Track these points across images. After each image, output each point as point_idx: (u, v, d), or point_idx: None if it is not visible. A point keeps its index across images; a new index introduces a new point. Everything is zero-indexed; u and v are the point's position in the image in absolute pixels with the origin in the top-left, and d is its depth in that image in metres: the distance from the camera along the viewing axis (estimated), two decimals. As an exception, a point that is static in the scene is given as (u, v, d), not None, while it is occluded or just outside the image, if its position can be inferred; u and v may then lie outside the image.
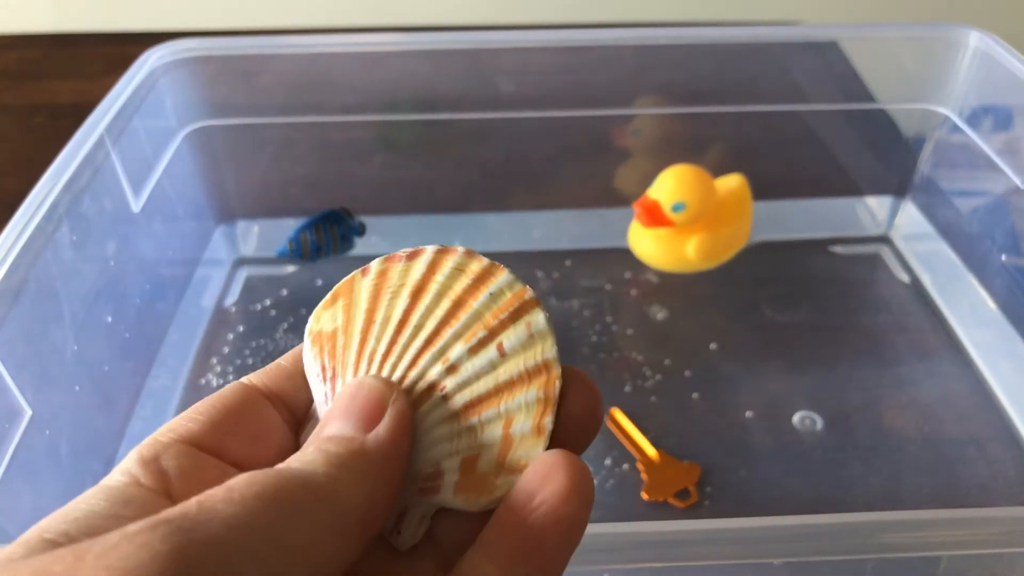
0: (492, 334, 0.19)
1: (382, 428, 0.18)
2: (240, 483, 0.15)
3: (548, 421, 0.18)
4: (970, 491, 0.44)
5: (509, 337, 0.19)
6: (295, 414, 0.20)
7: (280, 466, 0.16)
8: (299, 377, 0.20)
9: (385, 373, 0.19)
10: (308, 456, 0.17)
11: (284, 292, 0.57)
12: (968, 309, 0.54)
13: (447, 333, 0.19)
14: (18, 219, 0.38)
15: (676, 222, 0.51)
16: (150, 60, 0.50)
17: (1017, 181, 0.49)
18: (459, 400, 0.19)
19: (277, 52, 0.52)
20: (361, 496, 0.17)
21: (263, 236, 0.60)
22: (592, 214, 0.61)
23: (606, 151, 0.58)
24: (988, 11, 0.89)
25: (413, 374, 0.19)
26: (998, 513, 0.30)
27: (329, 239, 0.54)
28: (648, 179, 0.52)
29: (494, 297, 0.19)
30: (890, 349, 0.52)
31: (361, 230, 0.54)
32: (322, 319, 0.20)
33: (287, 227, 0.55)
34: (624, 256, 0.55)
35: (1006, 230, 0.51)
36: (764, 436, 0.46)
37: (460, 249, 0.20)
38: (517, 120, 0.55)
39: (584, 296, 0.56)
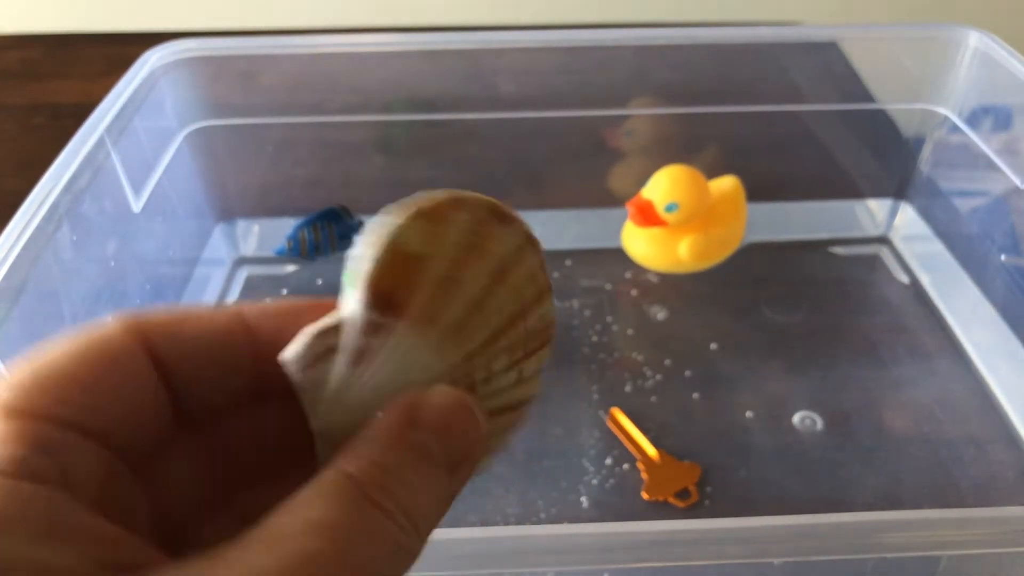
0: (524, 358, 0.18)
1: (461, 476, 0.16)
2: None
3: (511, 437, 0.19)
4: (969, 491, 0.44)
5: (528, 367, 0.19)
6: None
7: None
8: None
9: (446, 350, 0.17)
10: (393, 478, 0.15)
11: (284, 291, 0.57)
12: (967, 310, 0.54)
13: (503, 342, 0.18)
14: (19, 219, 0.38)
15: (669, 222, 0.51)
16: (150, 60, 0.50)
17: (1016, 181, 0.49)
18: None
19: (277, 52, 0.52)
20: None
21: (263, 236, 0.60)
22: (592, 214, 0.61)
23: (606, 151, 0.58)
24: (987, 11, 0.89)
25: (462, 368, 0.17)
26: (997, 513, 0.30)
27: (327, 238, 0.54)
28: (643, 180, 0.52)
29: (541, 320, 0.19)
30: (889, 350, 0.52)
31: (360, 229, 0.55)
32: (412, 234, 0.17)
33: (287, 227, 0.55)
34: (624, 256, 0.56)
35: (1005, 230, 0.51)
36: (764, 436, 0.46)
37: (540, 244, 0.19)
38: (517, 120, 0.55)
39: (584, 296, 0.56)
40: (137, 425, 0.16)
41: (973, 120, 0.53)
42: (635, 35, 0.53)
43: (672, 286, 0.57)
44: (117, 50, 0.84)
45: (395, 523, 0.14)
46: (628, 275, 0.57)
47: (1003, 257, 0.51)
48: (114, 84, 0.48)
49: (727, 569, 0.30)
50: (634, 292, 0.56)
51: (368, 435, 0.16)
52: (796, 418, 0.48)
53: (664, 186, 0.50)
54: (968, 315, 0.54)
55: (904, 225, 0.61)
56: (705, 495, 0.43)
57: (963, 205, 0.56)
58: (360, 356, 0.16)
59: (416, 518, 0.15)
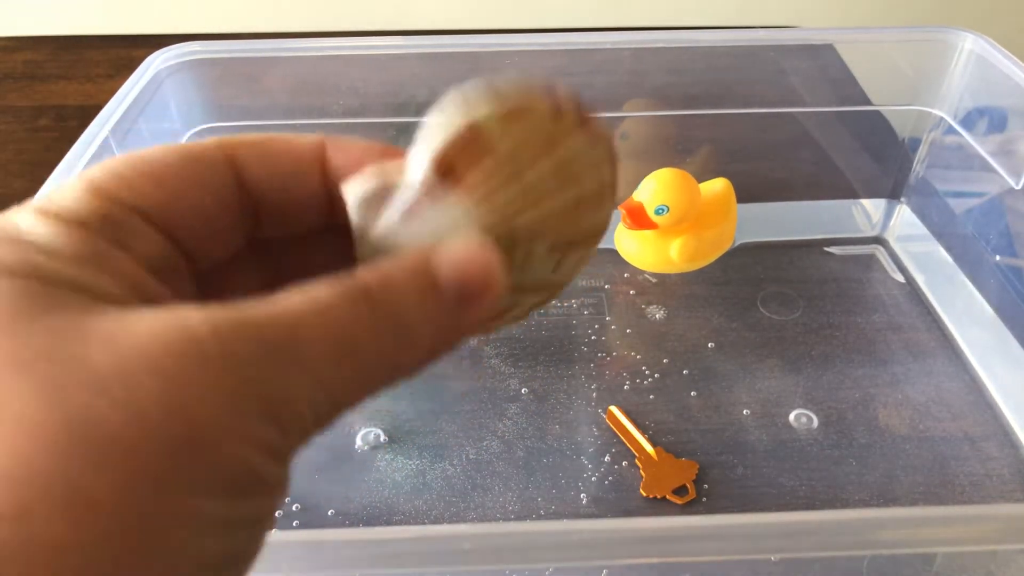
0: (568, 247, 0.19)
1: (473, 313, 0.17)
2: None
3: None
4: (964, 488, 0.44)
5: (569, 260, 0.19)
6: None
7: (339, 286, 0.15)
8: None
9: (492, 226, 0.18)
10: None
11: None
12: (962, 309, 0.54)
13: (550, 230, 0.18)
14: (26, 220, 0.38)
15: (659, 224, 0.51)
16: (155, 63, 0.51)
17: (1011, 182, 0.50)
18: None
19: (281, 55, 0.52)
20: (385, 347, 0.15)
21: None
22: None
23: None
24: (982, 13, 0.89)
25: (503, 243, 0.18)
26: (992, 510, 0.30)
27: None
28: (638, 182, 0.52)
29: (594, 220, 0.19)
30: (885, 348, 0.52)
31: None
32: (490, 122, 0.18)
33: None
34: (622, 257, 0.56)
35: (1000, 231, 0.51)
36: (761, 434, 0.47)
37: (615, 152, 0.19)
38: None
39: (583, 296, 0.56)
40: (209, 232, 0.18)
41: (968, 121, 0.54)
42: (633, 39, 0.54)
43: (670, 286, 0.57)
44: (122, 52, 0.84)
45: (384, 325, 0.15)
46: (626, 275, 0.57)
47: (997, 257, 0.51)
48: (119, 86, 0.48)
49: (724, 565, 0.30)
50: (632, 292, 0.57)
51: (388, 260, 0.17)
52: (792, 416, 0.48)
53: (654, 189, 0.51)
54: (963, 314, 0.54)
55: (899, 225, 0.61)
56: (702, 492, 0.44)
57: (958, 206, 0.56)
58: (410, 212, 0.17)
59: (410, 333, 0.16)
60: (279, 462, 0.14)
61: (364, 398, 0.16)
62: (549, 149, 0.18)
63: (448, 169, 0.17)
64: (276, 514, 0.15)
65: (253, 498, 0.14)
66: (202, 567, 0.13)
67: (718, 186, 0.55)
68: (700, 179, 0.54)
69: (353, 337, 0.15)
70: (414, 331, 0.16)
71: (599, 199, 0.19)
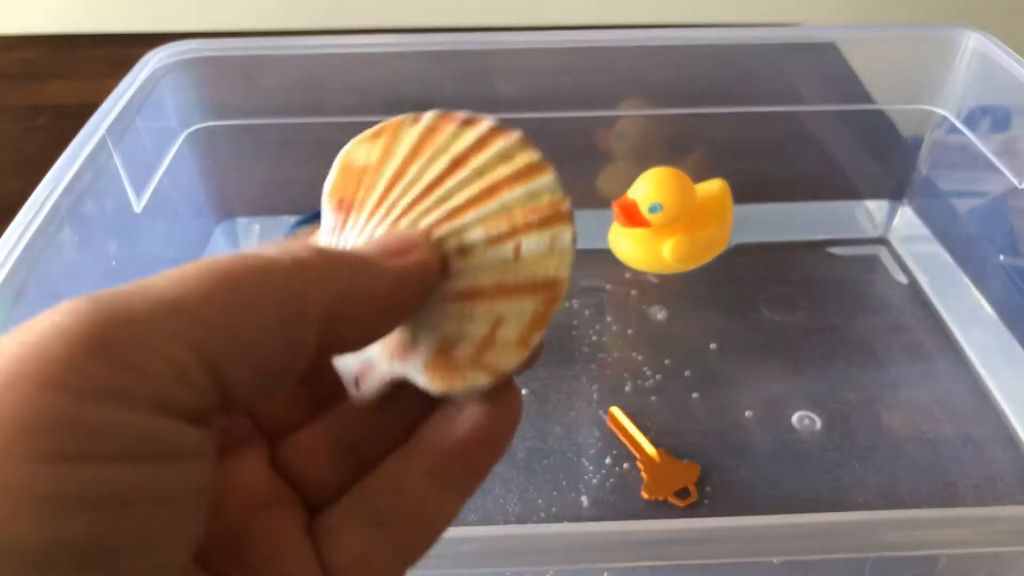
0: (514, 232, 0.18)
1: (407, 259, 0.17)
2: (191, 265, 0.14)
3: (536, 337, 0.17)
4: (967, 491, 0.44)
5: (530, 242, 0.18)
6: None
7: (245, 251, 0.15)
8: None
9: (402, 226, 0.18)
10: (286, 246, 0.15)
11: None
12: (965, 310, 0.54)
13: (471, 215, 0.18)
14: (20, 220, 0.38)
15: (653, 223, 0.51)
16: (151, 61, 0.50)
17: (1015, 182, 0.49)
18: (459, 285, 0.18)
19: (278, 53, 0.52)
20: (329, 294, 0.15)
21: (264, 235, 0.60)
22: (592, 214, 0.60)
23: (606, 152, 0.58)
24: (985, 12, 0.89)
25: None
26: (995, 512, 0.30)
27: None
28: (632, 182, 0.52)
29: (531, 196, 0.18)
30: (888, 350, 0.52)
31: None
32: (358, 150, 0.19)
33: (287, 226, 0.55)
34: (617, 256, 0.56)
35: (1004, 231, 0.51)
36: (763, 436, 0.47)
37: (516, 133, 0.19)
38: (516, 121, 0.54)
39: (584, 296, 0.56)
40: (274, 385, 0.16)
41: (971, 121, 0.54)
42: (633, 36, 0.53)
43: (671, 287, 0.57)
44: (118, 51, 0.84)
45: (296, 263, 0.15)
46: (628, 275, 0.57)
47: (1001, 257, 0.51)
48: (115, 85, 0.48)
49: (726, 568, 0.30)
50: (634, 292, 0.56)
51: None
52: (795, 418, 0.48)
53: (648, 187, 0.51)
54: (966, 315, 0.54)
55: (902, 226, 0.61)
56: (704, 494, 0.43)
57: (961, 206, 0.56)
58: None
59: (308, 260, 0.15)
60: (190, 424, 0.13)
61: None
62: (431, 151, 0.19)
63: (339, 202, 0.19)
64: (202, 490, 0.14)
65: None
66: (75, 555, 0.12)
67: (714, 187, 0.54)
68: (699, 179, 0.54)
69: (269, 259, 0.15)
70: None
71: (516, 169, 0.19)
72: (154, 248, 0.50)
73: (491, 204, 0.18)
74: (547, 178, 0.18)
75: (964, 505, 0.43)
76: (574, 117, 0.56)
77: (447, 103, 0.59)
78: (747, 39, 0.54)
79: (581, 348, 0.52)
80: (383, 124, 0.19)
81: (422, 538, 0.18)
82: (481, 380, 0.17)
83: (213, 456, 0.14)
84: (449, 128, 0.19)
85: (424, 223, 0.18)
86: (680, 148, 0.58)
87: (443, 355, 0.18)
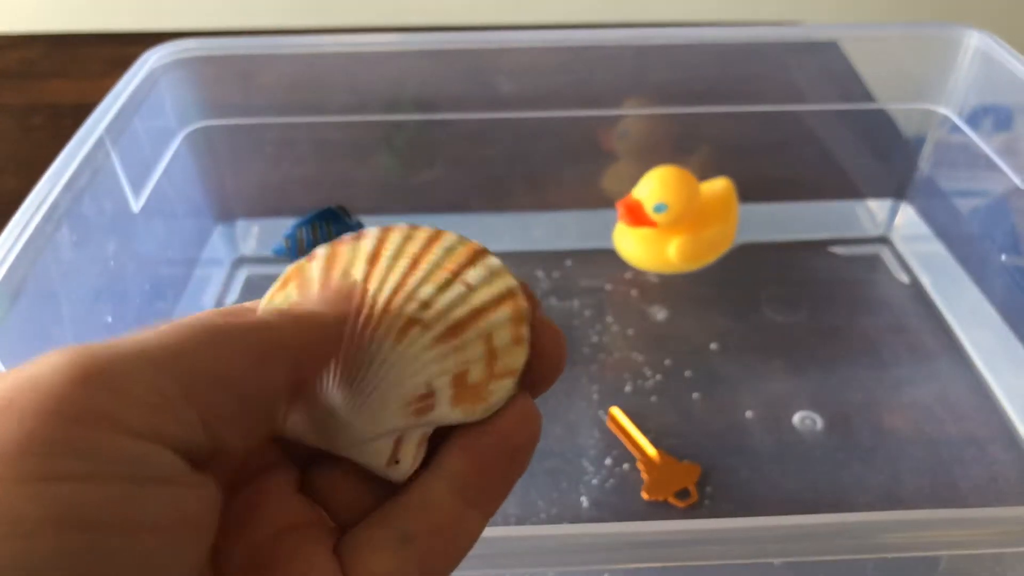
0: (455, 275, 0.20)
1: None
2: (175, 320, 0.16)
3: (525, 330, 0.20)
4: (969, 491, 0.44)
5: (471, 275, 0.20)
6: None
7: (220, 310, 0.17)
8: None
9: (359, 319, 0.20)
10: (248, 309, 0.18)
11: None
12: (968, 309, 0.54)
13: (412, 281, 0.20)
14: (18, 219, 0.38)
15: (658, 223, 0.51)
16: (150, 60, 0.50)
17: (1017, 181, 0.49)
18: (440, 327, 0.19)
19: (276, 52, 0.52)
20: (302, 338, 0.17)
21: (263, 235, 0.60)
22: (592, 214, 0.61)
23: (607, 151, 0.58)
24: (988, 11, 0.89)
25: (389, 317, 0.19)
26: (997, 513, 0.30)
27: (326, 237, 0.54)
28: (636, 180, 0.52)
29: (448, 252, 0.20)
30: (890, 350, 0.52)
31: (357, 229, 0.54)
32: (275, 301, 0.20)
33: (286, 227, 0.55)
34: (621, 256, 0.56)
35: (1006, 230, 0.51)
36: (764, 436, 0.46)
37: (403, 224, 0.21)
38: (517, 120, 0.55)
39: (584, 296, 0.56)
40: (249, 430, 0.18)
41: (973, 120, 0.53)
42: (636, 35, 0.53)
43: (672, 286, 0.57)
44: (116, 50, 0.84)
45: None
46: (628, 275, 0.57)
47: (1003, 257, 0.51)
48: (113, 84, 0.48)
49: (727, 569, 0.30)
50: (634, 292, 0.56)
51: None
52: (796, 418, 0.47)
53: (653, 186, 0.50)
54: (968, 315, 0.54)
55: (904, 225, 0.61)
56: (705, 495, 0.43)
57: (963, 205, 0.56)
58: None
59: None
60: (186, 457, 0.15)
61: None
62: (336, 260, 0.20)
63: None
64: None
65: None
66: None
67: (718, 185, 0.54)
68: (703, 178, 0.53)
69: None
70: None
71: (432, 245, 0.21)
72: (152, 248, 0.50)
73: (424, 267, 0.20)
74: (451, 237, 0.21)
75: (966, 506, 0.43)
76: (577, 116, 0.55)
77: (448, 103, 0.59)
78: (749, 38, 0.54)
79: (581, 348, 0.52)
80: (284, 275, 0.21)
81: (449, 556, 0.18)
82: (506, 384, 0.19)
83: (214, 494, 0.15)
84: (346, 247, 0.21)
85: (379, 305, 0.20)
86: (683, 147, 0.58)
87: (461, 385, 0.19)
